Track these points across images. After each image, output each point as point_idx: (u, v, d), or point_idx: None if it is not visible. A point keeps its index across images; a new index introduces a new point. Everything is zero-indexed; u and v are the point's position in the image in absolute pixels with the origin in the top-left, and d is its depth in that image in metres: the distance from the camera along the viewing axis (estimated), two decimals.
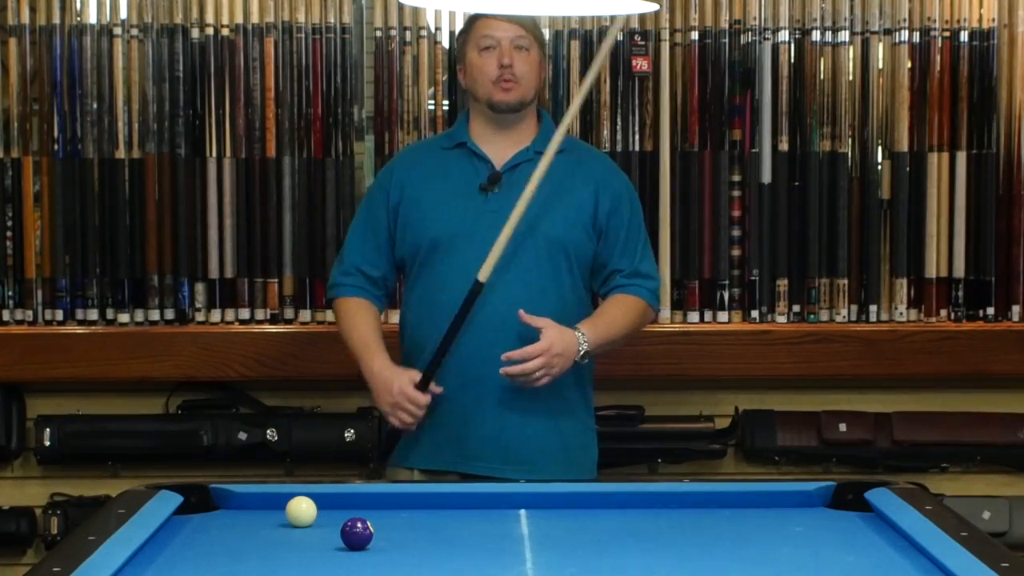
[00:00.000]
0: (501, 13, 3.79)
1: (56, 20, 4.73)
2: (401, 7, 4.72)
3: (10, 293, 4.79)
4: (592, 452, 4.00)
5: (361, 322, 3.94)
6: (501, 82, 3.83)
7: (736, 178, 4.84)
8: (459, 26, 4.77)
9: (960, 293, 4.87)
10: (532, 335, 3.75)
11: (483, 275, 3.73)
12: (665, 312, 4.83)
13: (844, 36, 4.82)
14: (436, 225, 3.86)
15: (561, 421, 3.89)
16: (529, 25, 3.87)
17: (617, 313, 3.90)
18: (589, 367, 3.94)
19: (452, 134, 3.99)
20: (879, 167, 4.87)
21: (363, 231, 3.98)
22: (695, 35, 4.81)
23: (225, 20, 4.77)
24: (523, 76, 3.84)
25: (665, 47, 4.82)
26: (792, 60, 4.85)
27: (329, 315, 4.55)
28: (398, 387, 3.78)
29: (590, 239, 3.90)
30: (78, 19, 4.75)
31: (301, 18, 4.79)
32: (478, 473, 3.79)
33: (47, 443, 4.73)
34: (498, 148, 3.90)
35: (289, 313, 4.80)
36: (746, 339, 4.79)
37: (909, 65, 4.84)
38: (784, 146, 4.84)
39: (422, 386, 3.78)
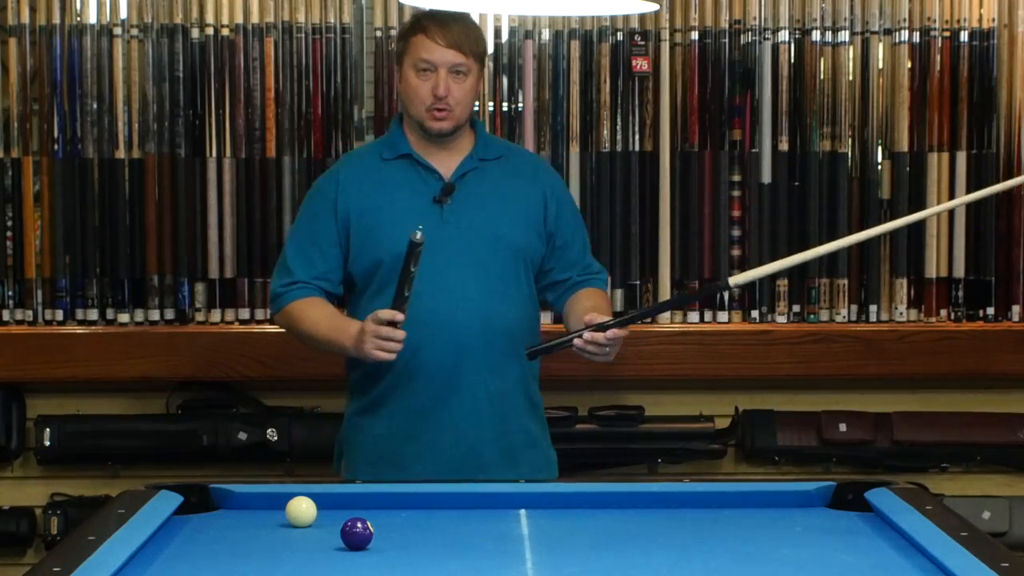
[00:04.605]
0: (441, 39, 3.69)
1: (56, 20, 4.73)
2: (401, 7, 4.72)
3: (10, 293, 4.79)
4: (546, 450, 3.91)
5: (324, 307, 3.79)
6: (434, 110, 3.73)
7: (736, 178, 4.84)
8: None
9: (960, 293, 4.87)
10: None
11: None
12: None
13: (844, 36, 4.83)
14: (399, 240, 3.62)
15: (506, 424, 3.81)
16: (469, 46, 3.74)
17: (606, 305, 3.85)
18: (534, 369, 3.89)
19: (392, 144, 3.86)
20: (879, 167, 4.87)
21: (308, 242, 3.82)
22: (695, 35, 4.81)
23: (225, 20, 4.77)
24: (458, 103, 3.73)
25: (665, 47, 4.82)
26: (792, 60, 4.85)
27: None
28: (368, 320, 3.61)
29: (542, 241, 3.85)
30: (78, 19, 4.75)
31: (301, 18, 4.79)
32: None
33: (47, 443, 4.73)
34: (441, 159, 3.80)
35: None
36: (746, 339, 4.79)
37: (909, 65, 4.84)
38: (784, 146, 4.84)
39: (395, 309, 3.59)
